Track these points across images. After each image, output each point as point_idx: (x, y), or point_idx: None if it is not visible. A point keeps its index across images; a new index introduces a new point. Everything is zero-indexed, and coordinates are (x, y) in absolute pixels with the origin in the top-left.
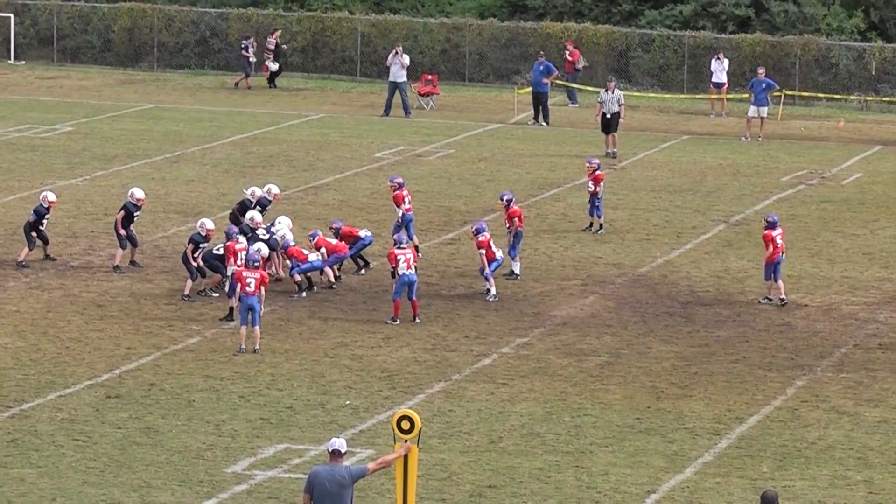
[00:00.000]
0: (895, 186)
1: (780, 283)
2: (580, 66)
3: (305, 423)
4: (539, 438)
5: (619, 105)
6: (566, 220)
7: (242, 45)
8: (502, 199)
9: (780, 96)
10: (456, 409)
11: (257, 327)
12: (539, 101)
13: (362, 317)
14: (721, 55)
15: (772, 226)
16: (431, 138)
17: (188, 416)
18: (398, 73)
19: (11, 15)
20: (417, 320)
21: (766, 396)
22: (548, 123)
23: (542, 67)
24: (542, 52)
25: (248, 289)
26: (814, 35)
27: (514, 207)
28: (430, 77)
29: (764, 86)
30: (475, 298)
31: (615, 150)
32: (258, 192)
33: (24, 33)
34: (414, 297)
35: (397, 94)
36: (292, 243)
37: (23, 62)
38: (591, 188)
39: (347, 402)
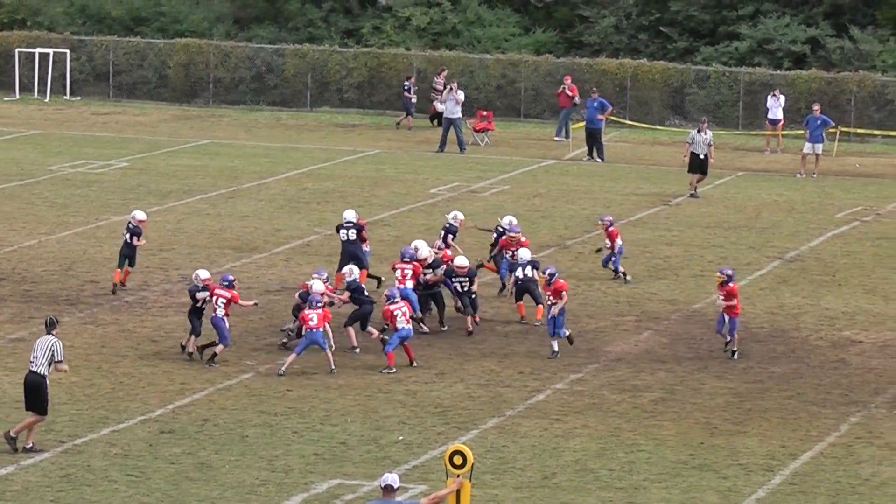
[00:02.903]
0: None
1: (737, 336)
2: (578, 100)
3: (359, 458)
4: (593, 474)
5: (709, 146)
6: (621, 257)
7: (405, 86)
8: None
9: (836, 133)
10: (509, 445)
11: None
12: (593, 138)
13: (416, 352)
14: (777, 92)
15: (731, 279)
16: (486, 174)
17: (241, 451)
18: (453, 110)
19: (67, 51)
20: (415, 364)
21: (820, 433)
22: (602, 159)
23: (595, 104)
24: (595, 89)
25: (311, 323)
26: (869, 72)
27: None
28: (485, 113)
29: (819, 122)
30: (529, 334)
31: (696, 194)
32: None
33: (80, 69)
34: (405, 344)
35: (452, 130)
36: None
37: (79, 98)
38: (608, 245)
39: (401, 438)
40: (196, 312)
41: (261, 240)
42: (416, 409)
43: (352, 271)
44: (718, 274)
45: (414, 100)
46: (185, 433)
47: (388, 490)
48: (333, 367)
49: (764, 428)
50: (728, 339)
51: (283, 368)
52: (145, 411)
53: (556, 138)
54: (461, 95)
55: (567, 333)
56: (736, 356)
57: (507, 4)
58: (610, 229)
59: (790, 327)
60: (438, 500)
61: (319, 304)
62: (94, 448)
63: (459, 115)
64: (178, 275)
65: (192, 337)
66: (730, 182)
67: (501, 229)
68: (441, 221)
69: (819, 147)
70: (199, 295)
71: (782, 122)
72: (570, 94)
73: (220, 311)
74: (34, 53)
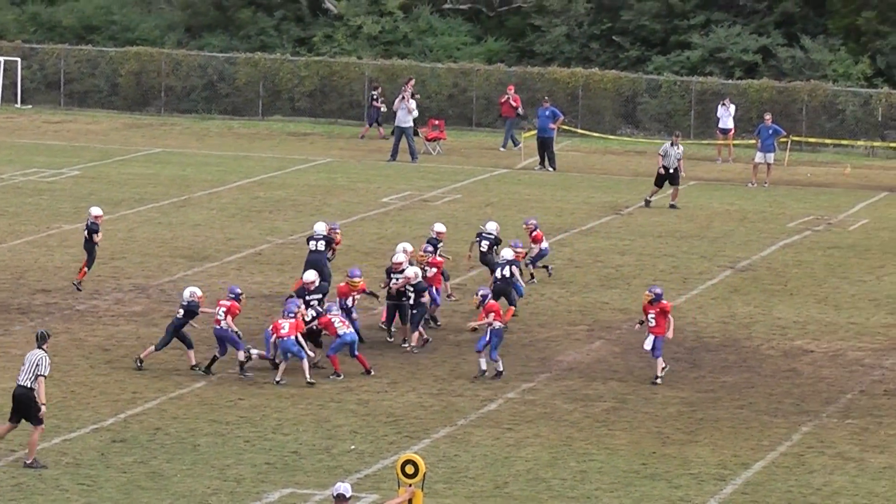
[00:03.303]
0: None
1: (661, 360)
2: (521, 111)
3: (311, 467)
4: (545, 484)
5: (678, 160)
6: (573, 266)
7: (372, 96)
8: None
9: (787, 142)
10: (461, 454)
11: (304, 360)
12: (545, 147)
13: (367, 361)
14: (727, 101)
15: (658, 298)
16: (438, 183)
17: (193, 460)
18: (404, 119)
19: (19, 59)
20: (372, 371)
21: (772, 442)
22: (554, 168)
23: (547, 112)
24: (546, 98)
25: (282, 332)
26: (820, 81)
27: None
28: (437, 122)
29: (771, 132)
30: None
31: (675, 202)
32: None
33: (32, 77)
34: (357, 353)
35: (404, 139)
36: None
37: (30, 106)
38: (533, 248)
39: (353, 447)
40: (180, 326)
41: (213, 248)
42: (367, 418)
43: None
44: (647, 293)
45: (383, 109)
46: (136, 442)
47: (341, 499)
48: (309, 377)
49: (716, 437)
50: (660, 362)
51: (279, 377)
52: (97, 420)
53: (502, 149)
54: (413, 105)
55: (498, 366)
56: (660, 381)
57: (459, 14)
58: (535, 233)
59: (742, 336)
60: None
61: (291, 314)
62: (46, 457)
63: (411, 124)
64: (129, 283)
65: (191, 351)
66: (682, 191)
67: (492, 236)
68: (393, 229)
69: (770, 156)
70: (201, 311)
71: (733, 132)
72: (513, 104)
73: (224, 322)
74: None
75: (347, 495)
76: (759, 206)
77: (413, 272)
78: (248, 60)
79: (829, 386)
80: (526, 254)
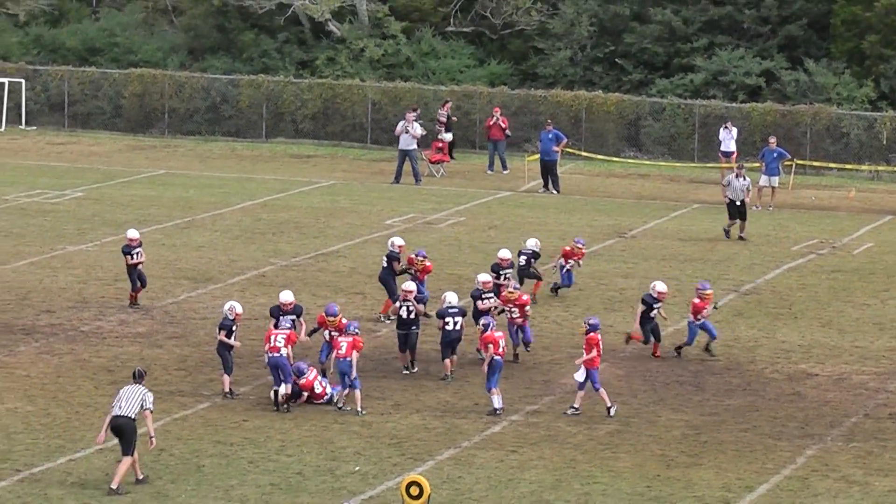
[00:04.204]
0: None
1: (602, 391)
2: (509, 133)
3: (315, 488)
4: None
5: (747, 191)
6: (576, 288)
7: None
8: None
9: (792, 166)
10: (465, 476)
11: (357, 391)
12: (548, 170)
13: (370, 383)
14: (729, 124)
15: (594, 329)
16: (442, 206)
17: (197, 481)
18: (408, 142)
19: (23, 80)
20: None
21: (776, 465)
22: (558, 191)
23: (550, 135)
24: (549, 121)
25: (340, 352)
26: (824, 104)
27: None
28: (440, 145)
29: (776, 155)
30: (472, 364)
31: (743, 235)
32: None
33: (35, 99)
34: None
35: (407, 161)
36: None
37: (34, 127)
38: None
39: (357, 469)
40: (225, 347)
41: (216, 270)
42: (371, 440)
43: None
44: (583, 324)
45: (419, 132)
46: (141, 462)
47: None
48: (360, 408)
49: (720, 460)
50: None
51: (342, 403)
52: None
53: (489, 171)
54: (418, 130)
55: (497, 404)
56: (573, 413)
57: (462, 36)
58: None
59: (746, 360)
60: None
61: (353, 332)
62: (51, 477)
63: (415, 146)
64: (130, 305)
65: (227, 376)
66: (685, 214)
67: (530, 251)
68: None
69: (775, 180)
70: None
71: (736, 155)
72: (502, 125)
73: (284, 350)
74: None
75: None
76: (763, 229)
77: (412, 285)
78: (251, 83)
79: (833, 409)
80: (582, 254)
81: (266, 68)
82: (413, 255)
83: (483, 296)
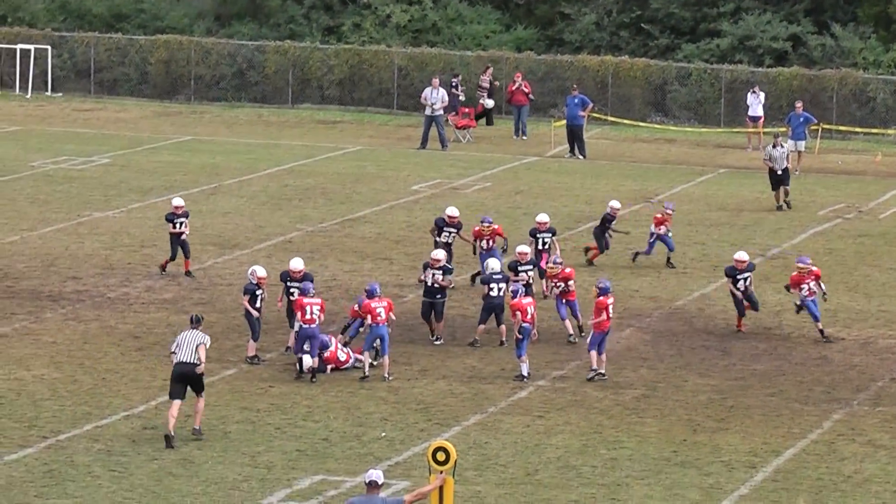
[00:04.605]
0: None
1: (604, 356)
2: (532, 97)
3: (341, 454)
4: (575, 471)
5: (786, 157)
6: (603, 254)
7: (452, 83)
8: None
9: (818, 130)
10: (492, 442)
11: (386, 356)
12: (574, 135)
13: (397, 349)
14: (757, 89)
15: (604, 292)
16: (468, 171)
17: (224, 447)
18: (435, 107)
19: (49, 47)
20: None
21: (803, 430)
22: (584, 156)
23: (576, 101)
24: (575, 86)
25: (379, 318)
26: (851, 69)
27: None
28: (466, 110)
29: (802, 119)
30: (510, 331)
31: (788, 200)
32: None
33: (62, 66)
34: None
35: (434, 126)
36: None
37: (60, 94)
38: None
39: (383, 434)
40: (251, 311)
41: (242, 236)
42: (398, 405)
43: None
44: (594, 287)
45: (462, 98)
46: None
47: (373, 486)
48: (388, 374)
49: (746, 425)
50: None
51: (388, 373)
52: (128, 407)
53: (515, 137)
54: (444, 95)
55: (524, 367)
56: (599, 378)
57: (488, 2)
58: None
59: (772, 324)
60: (422, 497)
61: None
62: (77, 444)
63: (441, 112)
64: (159, 271)
65: (252, 342)
66: (711, 179)
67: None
68: (423, 217)
69: (802, 144)
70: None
71: (763, 119)
72: (525, 90)
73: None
74: (15, 50)
75: (380, 482)
76: (790, 194)
77: (442, 254)
78: (277, 49)
79: (859, 374)
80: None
81: (292, 34)
82: (479, 226)
83: (520, 267)
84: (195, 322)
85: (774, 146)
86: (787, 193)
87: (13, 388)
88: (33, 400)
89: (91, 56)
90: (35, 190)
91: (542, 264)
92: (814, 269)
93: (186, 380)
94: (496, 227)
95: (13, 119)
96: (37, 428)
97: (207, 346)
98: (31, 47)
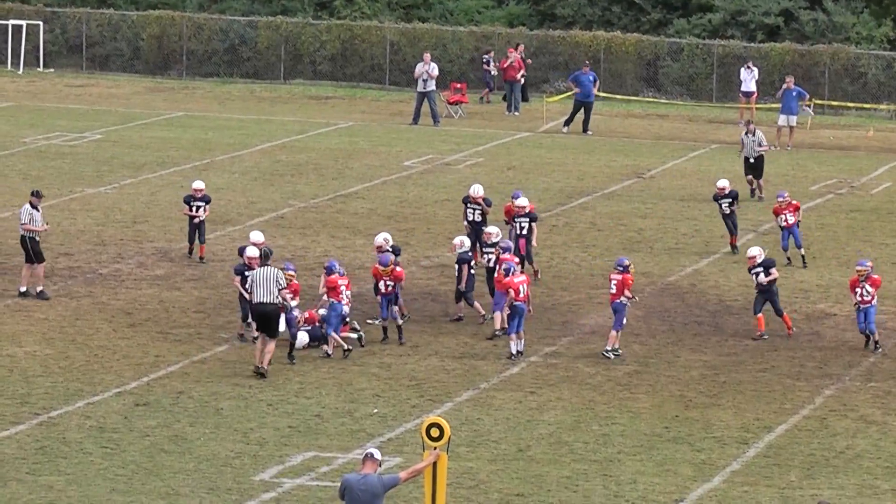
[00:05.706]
0: None
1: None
2: (523, 73)
3: (333, 431)
4: (567, 447)
5: (761, 147)
6: (595, 229)
7: (484, 59)
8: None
9: (811, 105)
10: (484, 418)
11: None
12: (588, 110)
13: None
14: (750, 64)
15: (627, 269)
16: (460, 147)
17: (216, 423)
18: (427, 82)
19: (41, 23)
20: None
21: (795, 405)
22: (587, 131)
23: (591, 77)
24: (587, 63)
25: (339, 296)
26: (843, 44)
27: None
28: (458, 86)
29: (794, 94)
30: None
31: (762, 195)
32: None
33: (54, 41)
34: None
35: (426, 102)
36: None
37: (52, 70)
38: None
39: (375, 411)
40: (243, 293)
41: (235, 212)
42: (390, 381)
43: (462, 243)
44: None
45: (494, 73)
46: (159, 406)
47: (371, 458)
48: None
49: (738, 401)
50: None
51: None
52: (120, 384)
53: (507, 113)
54: (434, 69)
55: (513, 349)
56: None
57: None
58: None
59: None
60: (417, 474)
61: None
62: (70, 420)
63: (433, 87)
64: (151, 247)
65: (243, 323)
66: (704, 155)
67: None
68: (415, 193)
69: (794, 119)
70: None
71: (756, 95)
72: (516, 65)
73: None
74: (7, 25)
75: (377, 457)
76: (781, 169)
77: (460, 240)
78: (269, 24)
79: (851, 349)
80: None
81: (284, 10)
82: (512, 202)
83: (484, 249)
84: (265, 257)
85: (746, 133)
86: (760, 189)
87: (5, 364)
88: (25, 377)
89: (83, 31)
90: (27, 166)
91: (522, 250)
92: (793, 201)
93: (265, 319)
94: (293, 283)
95: (5, 95)
96: (29, 405)
97: (283, 284)
98: (23, 23)
